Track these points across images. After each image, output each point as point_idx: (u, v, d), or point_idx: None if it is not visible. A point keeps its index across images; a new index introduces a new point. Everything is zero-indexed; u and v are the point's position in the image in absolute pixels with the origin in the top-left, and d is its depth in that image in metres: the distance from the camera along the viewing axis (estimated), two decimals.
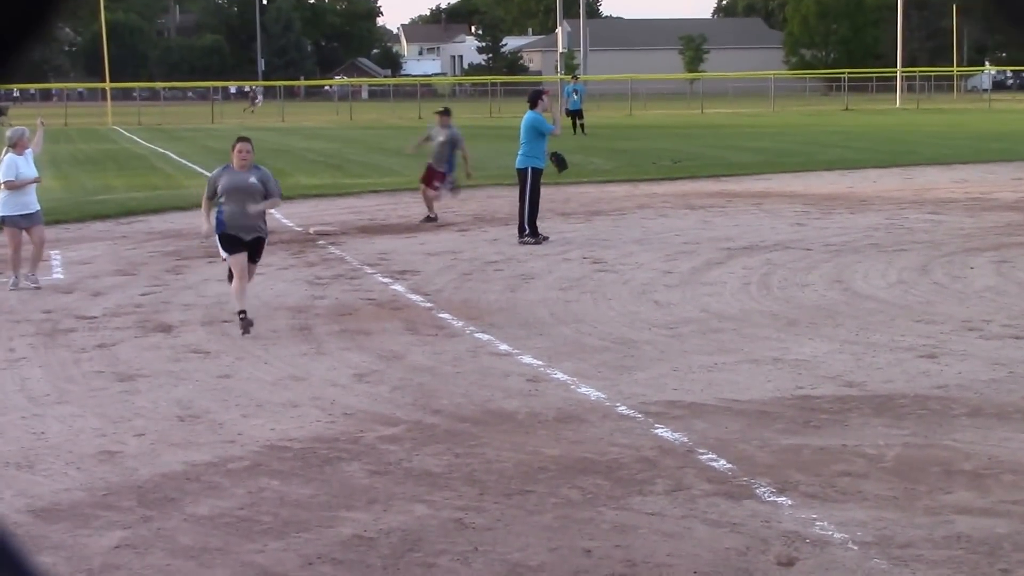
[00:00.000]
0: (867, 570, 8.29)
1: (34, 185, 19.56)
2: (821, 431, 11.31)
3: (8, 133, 19.99)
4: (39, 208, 19.70)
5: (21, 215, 19.14)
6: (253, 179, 16.01)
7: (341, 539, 9.00)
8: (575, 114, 55.62)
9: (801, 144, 49.88)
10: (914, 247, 22.41)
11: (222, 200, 15.99)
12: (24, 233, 19.30)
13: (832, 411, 11.95)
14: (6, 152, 19.15)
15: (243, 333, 15.59)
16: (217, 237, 16.04)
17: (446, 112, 28.64)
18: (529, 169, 23.79)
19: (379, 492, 9.94)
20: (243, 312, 15.57)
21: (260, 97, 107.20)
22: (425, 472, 10.43)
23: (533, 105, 24.65)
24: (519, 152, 24.14)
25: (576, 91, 58.10)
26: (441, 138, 27.73)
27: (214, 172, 16.60)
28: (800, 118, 75.76)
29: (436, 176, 27.34)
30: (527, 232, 23.89)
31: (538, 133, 23.84)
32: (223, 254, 16.10)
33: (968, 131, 57.96)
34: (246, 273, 15.87)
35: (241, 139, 16.64)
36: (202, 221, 16.86)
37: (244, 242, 15.87)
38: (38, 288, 19.13)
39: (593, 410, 12.17)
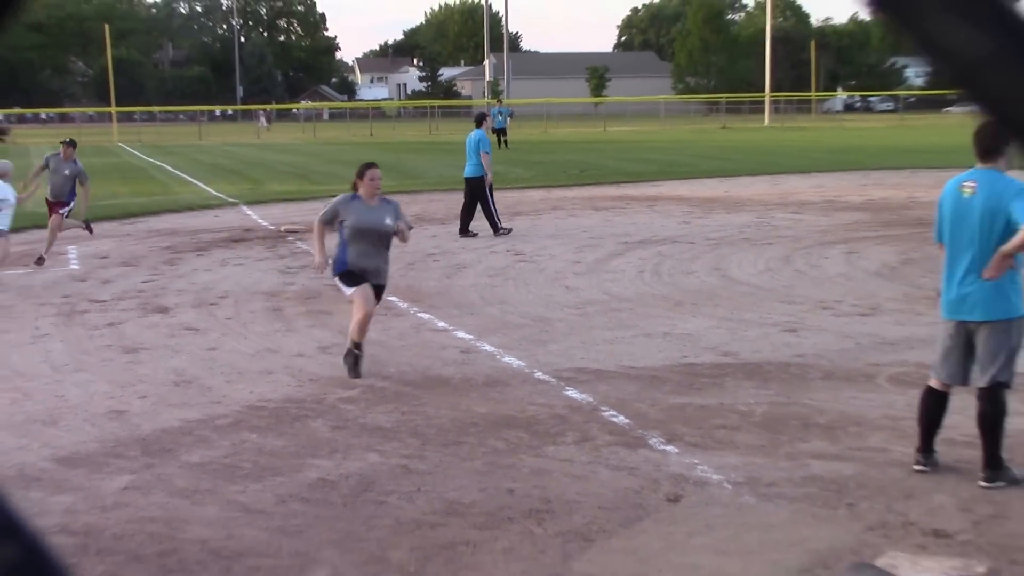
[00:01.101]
0: (738, 505, 8.40)
1: (10, 209, 18.93)
2: (702, 392, 11.42)
3: None
4: (6, 228, 18.94)
5: None
6: (388, 220, 12.34)
7: (308, 482, 9.04)
8: (500, 132, 55.55)
9: (686, 156, 50.02)
10: (779, 241, 22.56)
11: (346, 236, 12.30)
12: None
13: (711, 376, 12.06)
14: None
15: (351, 371, 12.26)
16: (337, 276, 12.35)
17: (71, 144, 22.42)
18: (477, 178, 24.03)
19: (339, 443, 9.99)
20: (358, 346, 12.27)
21: (263, 121, 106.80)
22: (377, 427, 10.48)
23: (479, 124, 24.82)
24: (468, 164, 24.27)
25: (501, 113, 58.05)
26: (66, 172, 21.84)
27: (339, 199, 12.62)
28: (685, 135, 75.93)
29: (58, 206, 21.74)
30: (499, 227, 24.28)
31: (481, 148, 24.03)
32: (347, 291, 12.24)
33: (823, 146, 58.25)
34: (373, 302, 12.32)
35: (370, 165, 12.70)
36: (315, 250, 12.69)
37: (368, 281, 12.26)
38: None
39: (515, 376, 12.24)
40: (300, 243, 23.33)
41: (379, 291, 12.44)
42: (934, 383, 8.98)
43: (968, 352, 8.79)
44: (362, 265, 12.18)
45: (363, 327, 12.12)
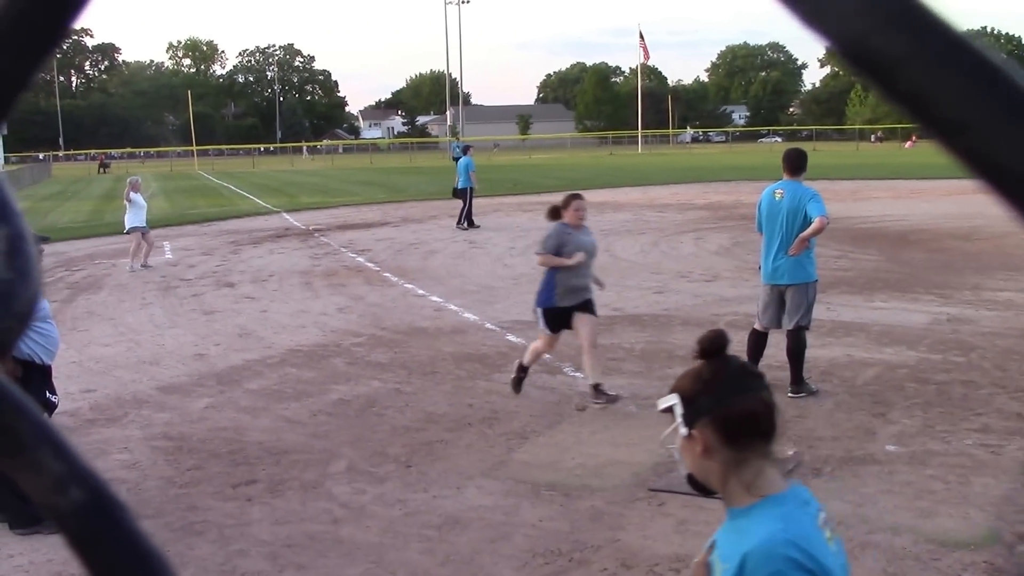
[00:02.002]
0: (625, 413, 8.39)
1: (143, 211, 18.80)
2: (600, 335, 11.38)
3: (130, 179, 19.59)
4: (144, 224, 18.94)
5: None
6: (594, 238, 9.73)
7: (331, 400, 8.96)
8: (457, 159, 55.27)
9: (586, 174, 49.99)
10: (649, 231, 22.59)
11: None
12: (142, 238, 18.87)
13: (606, 324, 11.98)
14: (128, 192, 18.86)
15: (514, 388, 9.12)
16: (543, 311, 9.03)
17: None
18: (466, 188, 24.17)
19: (352, 374, 9.90)
20: (524, 369, 9.13)
21: (306, 153, 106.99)
22: (377, 362, 10.39)
23: (465, 152, 25.12)
24: (460, 179, 24.17)
25: (458, 147, 57.76)
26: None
27: (556, 230, 9.30)
28: (585, 160, 75.84)
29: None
30: (470, 223, 24.17)
31: (469, 169, 24.03)
32: (543, 328, 8.97)
33: (678, 166, 58.40)
34: (556, 344, 9.15)
35: (576, 196, 9.67)
36: (563, 261, 9.14)
37: (571, 314, 8.98)
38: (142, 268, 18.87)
39: (471, 326, 12.18)
40: (323, 237, 23.15)
41: (589, 306, 9.14)
42: (757, 327, 9.04)
43: (780, 306, 8.85)
44: (574, 284, 9.10)
45: (536, 358, 9.13)
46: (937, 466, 6.80)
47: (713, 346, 2.17)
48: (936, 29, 0.29)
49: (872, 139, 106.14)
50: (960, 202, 26.31)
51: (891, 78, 0.30)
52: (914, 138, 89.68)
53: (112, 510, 0.40)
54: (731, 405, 2.11)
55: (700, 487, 2.21)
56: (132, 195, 18.69)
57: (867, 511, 6.06)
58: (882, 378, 9.15)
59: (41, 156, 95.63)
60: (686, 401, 2.14)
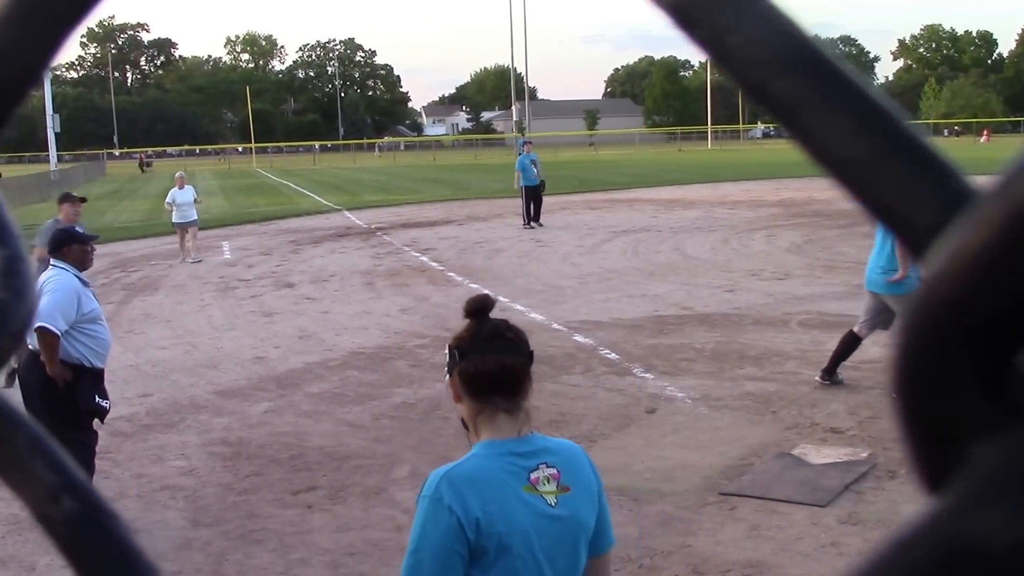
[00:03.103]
0: (696, 414, 8.35)
1: (192, 203, 20.20)
2: (669, 335, 11.35)
3: (176, 175, 21.20)
4: (196, 217, 20.38)
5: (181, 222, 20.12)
6: None
7: (394, 404, 9.02)
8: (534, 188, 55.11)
9: (654, 171, 49.84)
10: (720, 228, 22.43)
11: None
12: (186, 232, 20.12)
13: (675, 324, 12.00)
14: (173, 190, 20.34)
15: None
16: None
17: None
18: (525, 187, 24.13)
19: (415, 377, 9.96)
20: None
21: (377, 150, 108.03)
22: (442, 365, 10.44)
23: (524, 150, 25.00)
24: (525, 175, 24.07)
25: (526, 141, 57.76)
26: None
27: None
28: (653, 156, 75.60)
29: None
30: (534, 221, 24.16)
31: (529, 165, 23.99)
32: None
33: (749, 162, 57.96)
34: None
35: None
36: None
37: None
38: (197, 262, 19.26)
39: (538, 326, 12.18)
40: (385, 236, 23.31)
41: None
42: (857, 330, 8.87)
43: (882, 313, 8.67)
44: None
45: None
46: None
47: (473, 308, 2.62)
48: (829, 73, 0.32)
49: (947, 133, 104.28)
50: None
51: (790, 117, 0.33)
52: (987, 133, 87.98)
53: (104, 520, 0.42)
54: (470, 362, 2.51)
55: (465, 424, 2.60)
56: (173, 192, 20.24)
57: None
58: None
59: (93, 155, 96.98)
60: (450, 352, 2.58)
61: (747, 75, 0.33)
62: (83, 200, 10.83)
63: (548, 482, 2.44)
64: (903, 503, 6.20)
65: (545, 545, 2.39)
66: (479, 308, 2.63)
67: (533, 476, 2.43)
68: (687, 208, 28.38)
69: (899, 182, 0.32)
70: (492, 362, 2.52)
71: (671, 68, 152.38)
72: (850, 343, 8.88)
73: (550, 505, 2.42)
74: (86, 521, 0.42)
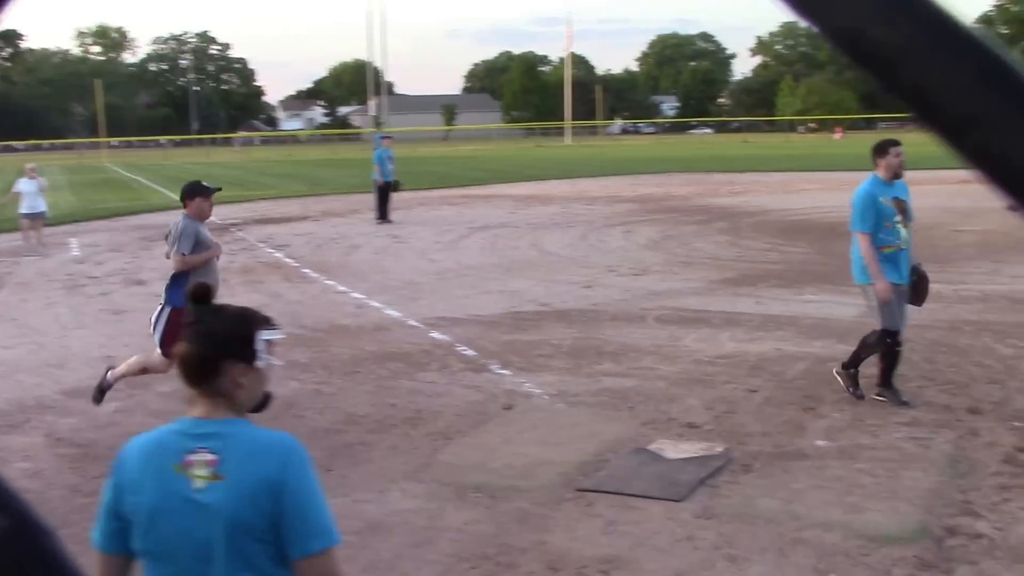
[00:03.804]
0: (553, 410, 8.39)
1: (38, 192, 20.00)
2: (527, 331, 11.41)
3: (28, 166, 20.55)
4: (44, 209, 20.26)
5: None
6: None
7: None
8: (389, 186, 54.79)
9: (512, 167, 50.12)
10: (577, 224, 22.68)
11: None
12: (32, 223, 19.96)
13: (533, 320, 12.06)
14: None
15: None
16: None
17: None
18: (386, 182, 23.92)
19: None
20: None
21: (237, 144, 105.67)
22: (296, 362, 10.26)
23: (381, 145, 24.73)
24: (382, 169, 23.82)
25: (384, 136, 57.28)
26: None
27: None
28: (511, 152, 76.03)
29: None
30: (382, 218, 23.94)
31: (386, 160, 23.81)
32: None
33: (607, 158, 58.79)
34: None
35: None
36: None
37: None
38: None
39: (395, 323, 12.11)
40: (239, 232, 22.86)
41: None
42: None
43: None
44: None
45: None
46: (867, 460, 6.90)
47: (192, 295, 2.68)
48: (938, 20, 0.29)
49: (802, 130, 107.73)
50: None
51: (891, 71, 0.29)
52: (841, 129, 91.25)
53: (37, 536, 0.38)
54: (176, 348, 2.65)
55: None
56: (21, 182, 19.92)
57: (797, 507, 6.13)
58: (812, 372, 9.27)
59: None
60: None
61: (842, 18, 0.30)
62: None
63: (202, 466, 2.49)
64: (758, 497, 6.34)
65: (182, 526, 2.45)
66: (196, 296, 2.69)
67: (189, 458, 2.50)
68: (545, 204, 28.61)
69: None
70: (184, 351, 2.62)
71: (530, 63, 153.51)
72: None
73: (195, 488, 2.46)
74: (19, 538, 0.38)
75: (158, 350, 8.17)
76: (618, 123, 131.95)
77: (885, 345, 8.11)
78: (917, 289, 8.32)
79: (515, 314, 12.41)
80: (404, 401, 8.74)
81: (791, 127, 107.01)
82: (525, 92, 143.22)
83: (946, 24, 0.28)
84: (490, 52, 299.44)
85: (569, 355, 10.24)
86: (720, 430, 7.68)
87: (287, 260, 18.06)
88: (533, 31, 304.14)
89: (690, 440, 7.45)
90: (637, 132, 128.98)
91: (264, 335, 2.72)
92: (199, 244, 8.38)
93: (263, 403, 2.75)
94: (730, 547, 5.62)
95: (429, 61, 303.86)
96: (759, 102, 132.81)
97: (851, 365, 8.37)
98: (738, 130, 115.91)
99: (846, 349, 10.03)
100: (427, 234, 21.53)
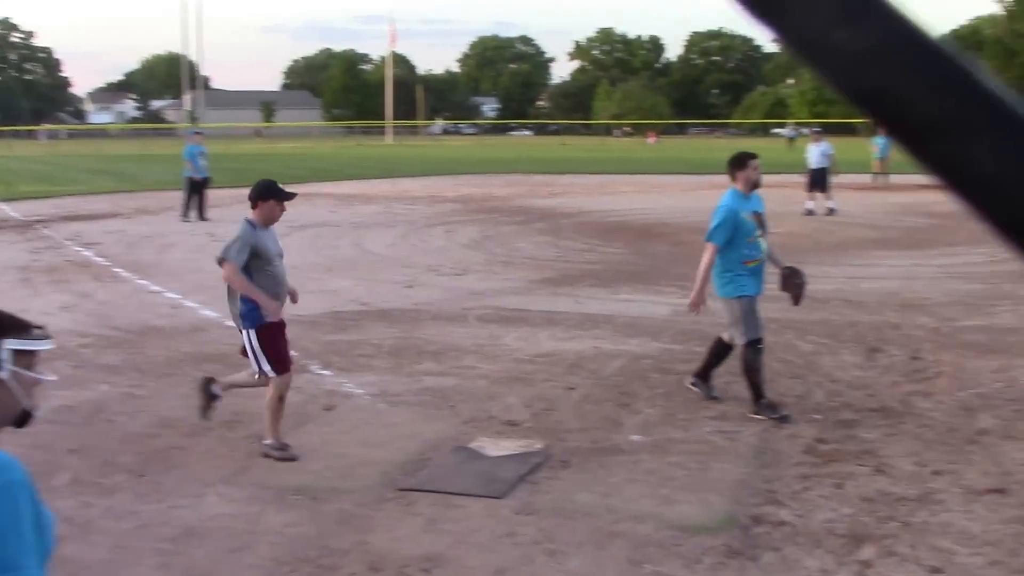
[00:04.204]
0: (375, 410, 8.38)
1: None
2: (348, 331, 11.34)
3: None
4: None
5: None
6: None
7: (53, 407, 8.45)
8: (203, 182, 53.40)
9: (333, 165, 49.59)
10: (399, 224, 22.65)
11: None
12: None
13: (354, 319, 11.99)
14: None
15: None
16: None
17: None
18: (188, 178, 23.50)
19: (78, 378, 9.39)
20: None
21: (44, 137, 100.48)
22: (107, 365, 9.92)
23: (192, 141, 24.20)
24: (194, 166, 23.35)
25: (196, 132, 55.79)
26: None
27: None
28: (332, 150, 75.19)
29: None
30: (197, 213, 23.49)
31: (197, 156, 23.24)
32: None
33: (428, 157, 58.81)
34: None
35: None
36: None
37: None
38: None
39: (211, 324, 11.84)
40: (45, 230, 21.89)
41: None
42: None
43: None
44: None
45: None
46: (678, 453, 7.15)
47: None
48: (903, 30, 0.28)
49: (617, 134, 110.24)
50: (699, 197, 27.71)
51: (854, 79, 0.28)
52: (655, 134, 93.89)
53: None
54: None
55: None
56: None
57: (613, 501, 6.30)
58: (627, 369, 9.53)
59: None
60: None
61: (806, 22, 0.29)
62: None
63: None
64: (575, 491, 6.49)
65: None
66: None
67: None
68: (366, 203, 28.45)
69: (1009, 151, 0.28)
70: None
71: (351, 61, 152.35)
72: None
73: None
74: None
75: (272, 375, 7.27)
76: (439, 123, 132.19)
77: (755, 348, 8.12)
78: (790, 288, 8.50)
79: (336, 314, 12.31)
80: (222, 403, 8.56)
81: (607, 131, 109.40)
82: (346, 90, 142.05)
83: (911, 34, 0.28)
84: (309, 48, 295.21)
85: (390, 355, 10.23)
86: (539, 427, 7.82)
87: (97, 259, 17.41)
88: (354, 29, 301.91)
89: (510, 437, 7.55)
90: (458, 133, 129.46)
91: (15, 344, 2.49)
92: (258, 256, 7.34)
93: (22, 419, 2.55)
94: (549, 542, 5.73)
95: (247, 56, 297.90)
96: (576, 105, 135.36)
97: (757, 398, 8.08)
98: (556, 132, 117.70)
99: (660, 347, 10.37)
100: None
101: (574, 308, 12.51)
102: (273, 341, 7.28)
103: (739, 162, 8.21)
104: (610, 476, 6.75)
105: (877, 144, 30.49)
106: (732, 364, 9.49)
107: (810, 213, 23.29)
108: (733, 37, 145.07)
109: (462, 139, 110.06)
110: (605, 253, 17.73)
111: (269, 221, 7.57)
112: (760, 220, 8.22)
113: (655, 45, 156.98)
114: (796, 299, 8.55)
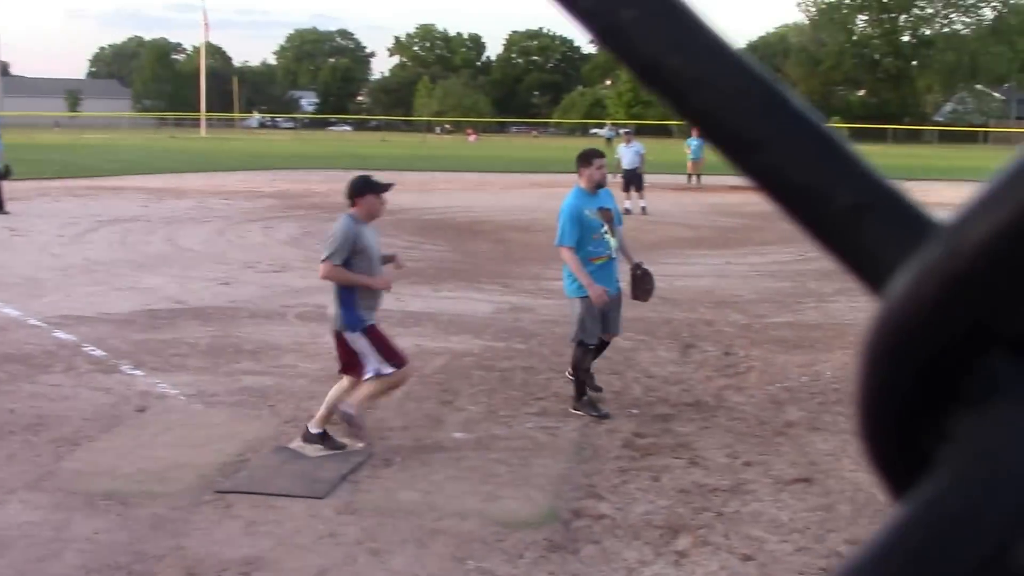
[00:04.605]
0: (190, 411, 8.17)
1: None
2: (161, 330, 11.01)
3: None
4: None
5: None
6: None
7: None
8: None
9: (144, 157, 47.98)
10: (215, 219, 22.12)
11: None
12: None
13: (167, 318, 11.65)
14: None
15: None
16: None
17: None
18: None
19: None
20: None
21: None
22: None
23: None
24: None
25: None
26: None
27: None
28: (143, 142, 72.64)
29: None
30: None
31: None
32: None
33: (245, 151, 57.55)
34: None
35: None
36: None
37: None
38: None
39: (12, 322, 11.30)
40: None
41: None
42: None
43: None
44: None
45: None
46: (501, 450, 7.23)
47: None
48: (723, 52, 0.32)
49: (438, 131, 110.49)
50: (520, 195, 28.07)
51: (683, 99, 0.32)
52: (474, 132, 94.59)
53: None
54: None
55: None
56: None
57: (436, 498, 6.32)
58: (449, 366, 9.57)
59: None
60: None
61: (640, 50, 0.32)
62: None
63: None
64: (398, 490, 6.48)
65: None
66: None
67: None
68: (180, 197, 27.66)
69: (813, 162, 0.32)
70: None
71: (163, 51, 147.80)
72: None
73: None
74: None
75: (389, 372, 7.12)
76: (256, 116, 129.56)
77: (585, 348, 8.22)
78: (637, 285, 8.64)
79: (148, 312, 11.93)
80: (24, 406, 8.19)
81: (428, 128, 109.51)
82: (157, 80, 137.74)
83: (731, 58, 0.33)
84: (117, 36, 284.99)
85: (206, 354, 9.99)
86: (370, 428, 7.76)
87: None
88: (166, 17, 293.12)
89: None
90: (275, 126, 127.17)
91: None
92: (359, 253, 7.09)
93: None
94: (372, 541, 5.71)
95: (50, 42, 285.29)
96: (397, 102, 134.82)
97: (580, 395, 8.27)
98: (377, 129, 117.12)
99: (483, 344, 10.46)
100: (49, 227, 20.22)
101: (396, 306, 12.44)
102: (382, 338, 7.17)
103: (584, 159, 8.33)
104: (433, 474, 6.77)
105: (691, 146, 31.51)
106: (555, 361, 9.66)
107: (627, 212, 23.86)
108: (552, 37, 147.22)
109: (280, 133, 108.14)
110: (427, 250, 17.75)
111: (371, 217, 7.29)
112: (608, 216, 8.28)
113: (476, 43, 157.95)
114: (640, 294, 8.75)
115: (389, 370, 7.11)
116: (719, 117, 0.33)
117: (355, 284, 7.11)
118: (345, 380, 7.35)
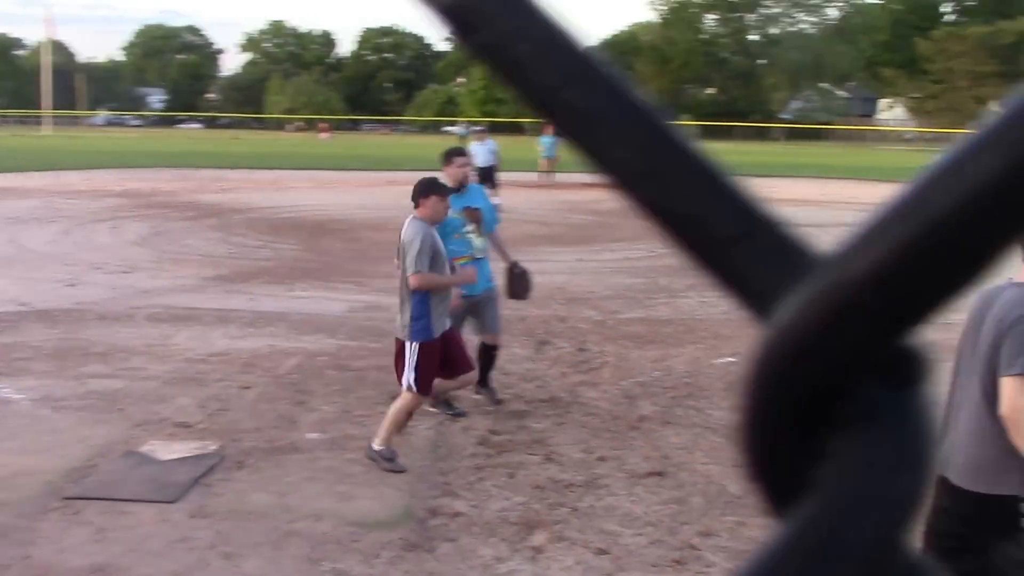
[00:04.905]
0: (36, 416, 7.85)
1: None
2: (4, 333, 10.53)
3: None
4: None
5: None
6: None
7: None
8: None
9: None
10: (60, 219, 21.31)
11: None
12: None
13: (11, 321, 11.16)
14: None
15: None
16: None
17: None
18: None
19: None
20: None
21: None
22: None
23: None
24: None
25: None
26: None
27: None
28: None
29: None
30: None
31: None
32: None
33: (91, 149, 55.56)
34: None
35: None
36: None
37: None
38: None
39: None
40: None
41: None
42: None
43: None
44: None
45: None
46: (356, 450, 7.15)
47: None
48: (613, 85, 0.34)
49: (290, 128, 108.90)
50: (373, 194, 27.82)
51: (579, 132, 0.34)
52: (327, 129, 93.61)
53: None
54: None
55: None
56: None
57: (290, 500, 6.22)
58: (303, 367, 9.43)
59: None
60: None
61: (536, 82, 0.33)
62: None
63: None
64: (251, 492, 6.35)
65: None
66: None
67: None
68: (23, 197, 26.54)
69: (699, 192, 0.34)
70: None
71: (3, 46, 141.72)
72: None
73: None
74: None
75: (411, 389, 6.88)
76: (102, 114, 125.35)
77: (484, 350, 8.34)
78: (514, 284, 8.68)
79: None
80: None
81: (280, 125, 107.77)
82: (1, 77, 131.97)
83: (622, 91, 0.34)
84: None
85: (52, 357, 9.61)
86: (213, 428, 7.59)
87: None
88: (8, 11, 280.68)
89: (183, 440, 7.29)
90: (123, 124, 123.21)
91: None
92: (436, 256, 6.93)
93: None
94: (225, 544, 5.58)
95: None
96: (248, 99, 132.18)
97: (483, 382, 8.35)
98: (228, 126, 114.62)
99: (336, 343, 10.35)
100: None
101: (248, 306, 12.24)
102: (429, 363, 6.94)
103: (446, 158, 8.32)
104: (287, 475, 6.66)
105: (544, 143, 31.78)
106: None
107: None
108: (405, 35, 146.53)
109: (128, 131, 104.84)
110: (279, 249, 17.46)
111: (436, 219, 7.10)
112: (476, 216, 8.18)
113: (327, 40, 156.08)
114: (516, 293, 8.81)
115: (413, 389, 6.94)
116: (608, 147, 0.34)
117: (447, 285, 7.13)
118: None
